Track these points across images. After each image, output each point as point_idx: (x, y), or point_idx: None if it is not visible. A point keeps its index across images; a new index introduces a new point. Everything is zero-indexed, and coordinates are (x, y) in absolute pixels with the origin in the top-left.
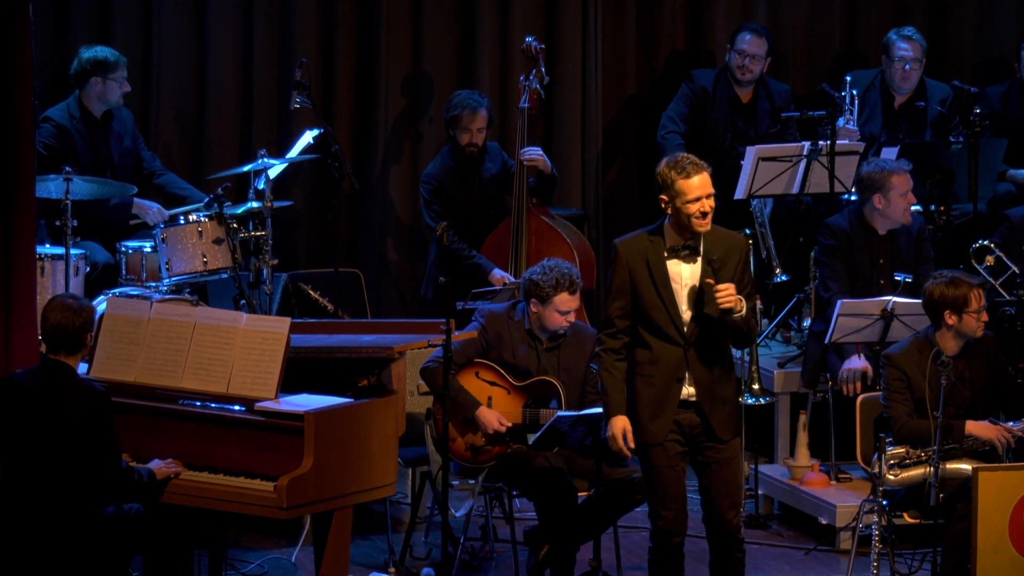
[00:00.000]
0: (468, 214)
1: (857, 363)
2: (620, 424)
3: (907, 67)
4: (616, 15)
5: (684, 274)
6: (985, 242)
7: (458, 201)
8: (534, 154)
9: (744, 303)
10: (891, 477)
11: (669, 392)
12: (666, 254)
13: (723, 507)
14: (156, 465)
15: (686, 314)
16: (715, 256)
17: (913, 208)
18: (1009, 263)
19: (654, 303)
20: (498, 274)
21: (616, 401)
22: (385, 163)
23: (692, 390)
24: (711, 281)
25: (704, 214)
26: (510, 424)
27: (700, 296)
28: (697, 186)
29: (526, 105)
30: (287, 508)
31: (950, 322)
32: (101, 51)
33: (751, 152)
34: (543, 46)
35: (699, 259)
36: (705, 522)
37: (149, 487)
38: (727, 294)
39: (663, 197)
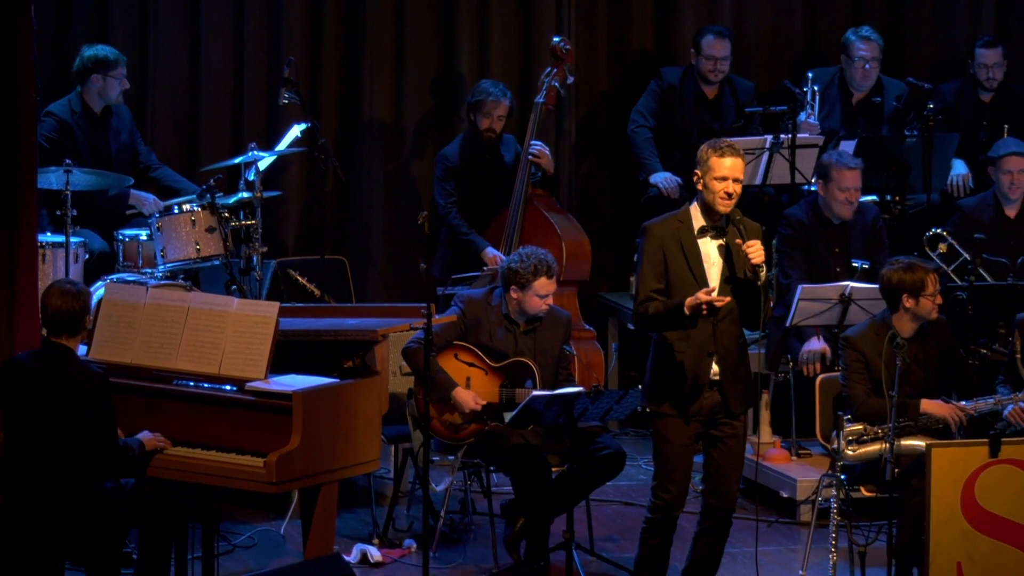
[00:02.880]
0: (478, 196)
1: (816, 345)
2: (692, 297)
3: (867, 66)
4: (588, 16)
5: (713, 254)
6: (938, 230)
7: (469, 183)
8: (539, 149)
9: (764, 269)
10: (849, 453)
11: (700, 367)
12: (696, 232)
13: (731, 480)
14: (145, 436)
15: (715, 291)
16: (738, 217)
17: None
18: (961, 250)
19: (687, 280)
20: (491, 252)
21: (674, 302)
22: (369, 155)
23: (716, 368)
24: (739, 241)
25: (728, 195)
26: (484, 403)
27: (730, 261)
28: (728, 167)
29: (542, 100)
30: (276, 483)
31: (907, 305)
32: (102, 49)
33: None
34: (570, 48)
35: (725, 240)
36: (708, 493)
37: (140, 459)
38: (757, 249)
39: (697, 172)
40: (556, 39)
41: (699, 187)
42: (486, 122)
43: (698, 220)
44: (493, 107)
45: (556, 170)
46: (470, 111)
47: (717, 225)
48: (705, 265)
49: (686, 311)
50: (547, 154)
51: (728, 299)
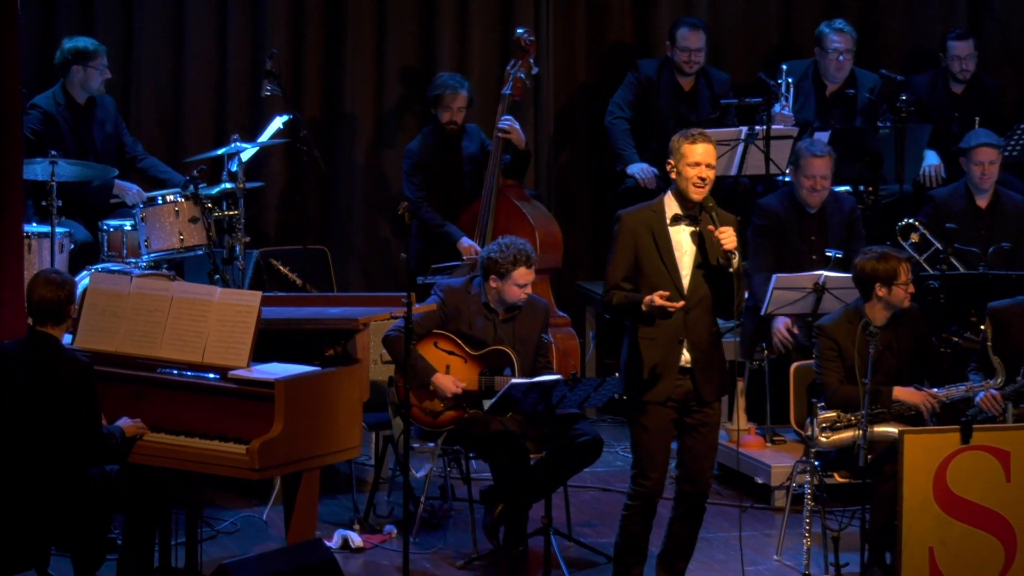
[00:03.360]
0: (446, 188)
1: (780, 322)
2: (649, 296)
3: (841, 58)
4: (567, 8)
5: (685, 242)
6: (911, 220)
7: (436, 176)
8: (509, 124)
9: (736, 256)
10: (823, 439)
11: (671, 353)
12: (669, 222)
13: (705, 467)
14: (124, 423)
15: (686, 279)
16: (711, 204)
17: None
18: (932, 240)
19: (657, 268)
20: (466, 242)
21: (636, 297)
22: (350, 147)
23: (688, 356)
24: (712, 228)
25: (702, 180)
26: (464, 385)
27: (702, 248)
28: (700, 153)
29: (508, 92)
30: (258, 469)
31: (880, 294)
32: (81, 41)
33: None
34: (533, 39)
35: (698, 228)
36: (682, 479)
37: (122, 445)
38: (729, 235)
39: (670, 162)
40: (520, 31)
41: (673, 176)
42: (446, 115)
43: (672, 209)
44: (451, 99)
45: (535, 163)
46: (431, 105)
47: (690, 214)
48: (677, 254)
49: (643, 309)
50: (517, 128)
51: (680, 304)
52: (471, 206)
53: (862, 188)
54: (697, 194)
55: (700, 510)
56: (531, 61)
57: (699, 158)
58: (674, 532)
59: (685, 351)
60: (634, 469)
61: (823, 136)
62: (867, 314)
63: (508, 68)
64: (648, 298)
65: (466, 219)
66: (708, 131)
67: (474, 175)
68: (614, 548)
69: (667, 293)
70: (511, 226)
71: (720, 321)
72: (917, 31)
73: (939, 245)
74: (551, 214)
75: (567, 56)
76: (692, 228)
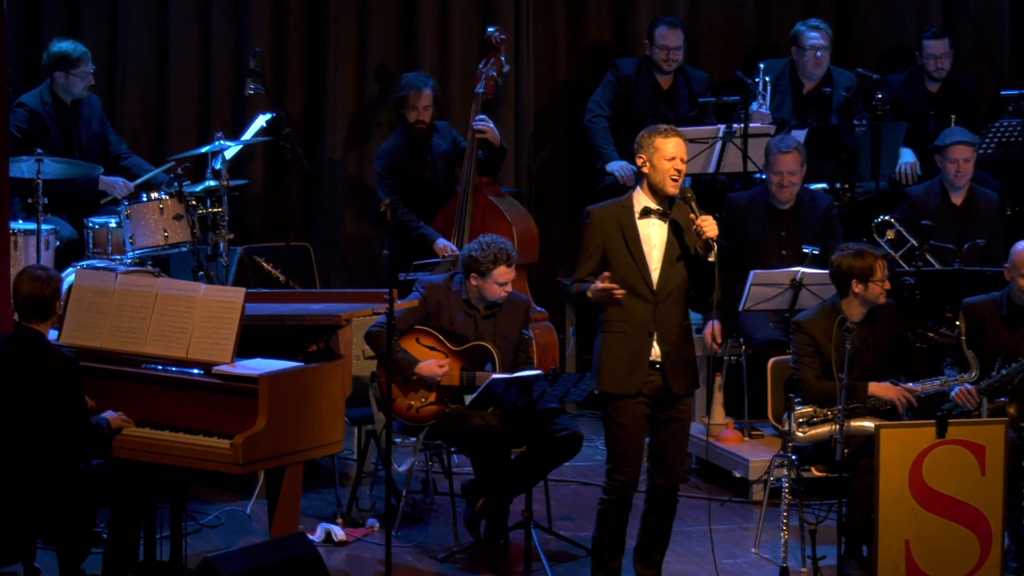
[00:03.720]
0: (419, 188)
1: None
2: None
3: (818, 54)
4: (546, 8)
5: (654, 236)
6: (886, 217)
7: (410, 176)
8: (484, 124)
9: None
10: (800, 434)
11: (641, 347)
12: (638, 215)
13: (676, 461)
14: (110, 415)
15: (655, 272)
16: (690, 195)
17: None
18: (908, 236)
19: (626, 262)
20: (441, 243)
21: (586, 285)
22: (333, 145)
23: (658, 350)
24: (693, 216)
25: (678, 172)
26: (447, 363)
27: (679, 241)
28: (673, 147)
29: (481, 91)
30: (242, 464)
31: (856, 290)
32: (66, 46)
33: None
34: (504, 37)
35: (668, 223)
36: (654, 472)
37: (109, 437)
38: (710, 223)
39: (641, 157)
40: (491, 29)
41: (645, 171)
42: (413, 115)
43: (641, 204)
44: (416, 99)
45: (516, 161)
46: (397, 107)
47: (660, 208)
48: (646, 248)
49: (589, 295)
50: (491, 127)
51: (622, 292)
52: (447, 205)
53: (838, 185)
54: (673, 187)
55: (673, 503)
56: (502, 59)
57: (673, 152)
58: (648, 525)
59: (655, 344)
60: (608, 464)
61: (800, 134)
62: (843, 310)
63: (480, 67)
64: (593, 285)
65: (443, 218)
66: (688, 129)
67: (448, 173)
68: (592, 541)
69: (608, 275)
70: (488, 224)
71: (696, 317)
72: (893, 30)
73: (914, 242)
74: (527, 211)
75: (547, 55)
76: (662, 222)
